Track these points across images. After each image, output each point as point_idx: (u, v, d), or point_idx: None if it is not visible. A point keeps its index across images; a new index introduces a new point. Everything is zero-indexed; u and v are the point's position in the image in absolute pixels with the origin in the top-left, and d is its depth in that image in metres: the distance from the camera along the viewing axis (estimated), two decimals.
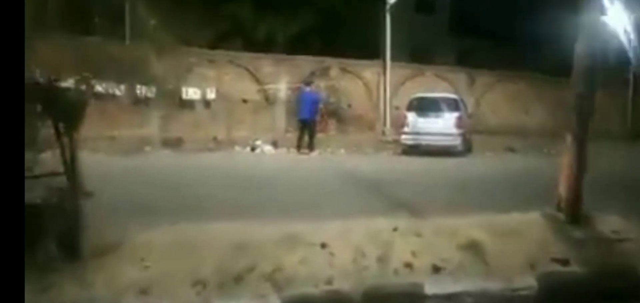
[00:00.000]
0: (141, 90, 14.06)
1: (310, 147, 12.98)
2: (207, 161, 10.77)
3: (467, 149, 13.14)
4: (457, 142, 12.74)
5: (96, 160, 9.95)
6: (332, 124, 16.09)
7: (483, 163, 11.75)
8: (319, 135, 15.67)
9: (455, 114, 12.97)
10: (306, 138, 13.08)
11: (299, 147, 13.00)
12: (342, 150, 14.91)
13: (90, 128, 12.77)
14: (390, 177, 8.35)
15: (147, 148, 13.90)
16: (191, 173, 8.57)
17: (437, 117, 12.97)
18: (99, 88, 12.97)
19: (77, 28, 13.73)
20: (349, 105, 16.36)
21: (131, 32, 15.31)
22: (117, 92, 13.93)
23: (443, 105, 13.13)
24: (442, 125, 12.76)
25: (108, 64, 13.53)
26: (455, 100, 13.50)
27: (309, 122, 13.24)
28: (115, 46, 13.69)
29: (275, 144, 13.41)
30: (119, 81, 14.04)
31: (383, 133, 16.30)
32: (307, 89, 13.90)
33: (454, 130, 12.76)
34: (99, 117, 13.89)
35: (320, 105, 13.93)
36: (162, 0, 14.33)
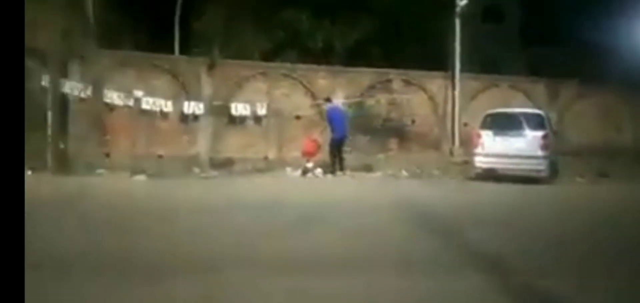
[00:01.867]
0: (189, 106, 13.36)
1: (342, 167, 11.78)
2: (254, 190, 9.55)
3: (553, 174, 11.21)
4: (542, 166, 10.85)
5: (129, 186, 9.64)
6: (393, 142, 14.58)
7: (578, 194, 9.83)
8: (380, 155, 14.30)
9: (540, 133, 11.08)
10: (339, 158, 11.89)
11: (334, 171, 11.70)
12: (405, 173, 13.40)
13: (136, 146, 12.06)
14: (469, 213, 6.79)
15: (196, 169, 13.05)
16: (237, 209, 7.41)
17: (518, 136, 11.13)
18: (145, 105, 12.32)
19: (125, 40, 13.04)
20: (413, 121, 14.81)
21: (180, 44, 14.81)
22: (165, 108, 13.32)
23: (525, 123, 11.27)
24: (525, 146, 10.93)
25: (155, 77, 12.84)
26: (539, 116, 11.55)
27: (344, 140, 12.08)
28: (163, 59, 13.10)
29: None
30: (166, 96, 13.55)
31: (451, 153, 14.60)
32: (333, 103, 12.64)
33: (539, 152, 10.88)
34: (145, 135, 13.32)
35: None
36: (215, 9, 13.80)
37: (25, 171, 10.92)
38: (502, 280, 3.68)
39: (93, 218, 5.80)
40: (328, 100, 12.68)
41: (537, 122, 11.30)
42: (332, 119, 12.16)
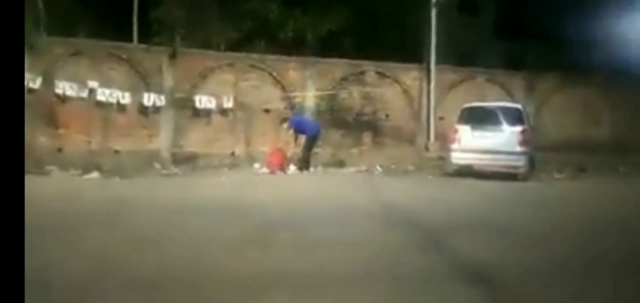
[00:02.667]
0: (149, 97, 12.46)
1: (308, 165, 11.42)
2: (217, 189, 8.73)
3: (531, 170, 10.79)
4: (520, 162, 10.43)
5: (77, 186, 8.41)
6: (367, 137, 13.97)
7: (557, 191, 9.40)
8: (353, 150, 13.72)
9: (519, 128, 10.65)
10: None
11: (306, 167, 11.30)
12: (379, 168, 12.83)
13: (91, 140, 11.06)
14: (447, 214, 6.20)
15: (157, 165, 12.18)
16: (195, 213, 6.60)
17: (496, 131, 10.68)
18: (101, 96, 11.33)
19: (79, 28, 11.98)
20: (387, 116, 14.22)
21: (139, 32, 13.83)
22: (122, 100, 12.38)
23: (503, 117, 10.82)
24: (503, 142, 10.47)
25: (111, 67, 11.85)
26: (517, 111, 11.13)
27: (317, 136, 11.80)
28: (120, 48, 12.11)
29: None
30: (124, 87, 12.60)
31: (426, 148, 14.09)
32: (291, 116, 12.45)
33: (518, 148, 10.45)
34: (102, 129, 12.35)
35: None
36: None
37: None
38: (490, 292, 3.12)
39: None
40: (285, 120, 12.22)
41: (515, 117, 10.88)
42: (299, 127, 11.70)
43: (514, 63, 15.99)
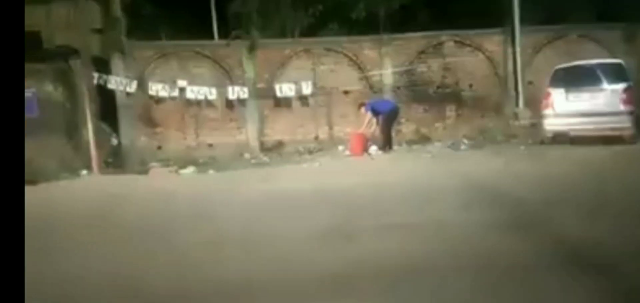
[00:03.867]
0: (233, 91, 12.98)
1: (391, 144, 11.47)
2: (305, 176, 8.91)
3: (637, 131, 9.80)
4: (626, 124, 9.52)
5: (174, 183, 8.34)
6: (450, 109, 13.53)
7: None
8: (437, 124, 13.39)
9: (621, 85, 9.72)
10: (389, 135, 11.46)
11: (388, 148, 11.30)
12: (465, 141, 12.42)
13: (186, 136, 11.81)
14: (548, 194, 5.78)
15: (247, 155, 12.76)
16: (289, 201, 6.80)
17: (595, 91, 9.84)
18: (190, 94, 12.01)
19: (161, 31, 12.74)
20: (470, 86, 13.62)
21: (219, 29, 14.38)
22: (210, 96, 13.01)
23: (602, 75, 9.91)
24: (604, 102, 9.62)
25: (197, 65, 12.47)
26: (619, 66, 10.08)
27: (395, 114, 11.89)
28: (203, 46, 12.68)
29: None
30: (210, 84, 13.22)
31: (515, 116, 13.34)
32: (367, 102, 12.10)
33: (622, 108, 9.55)
34: (194, 124, 13.10)
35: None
36: None
37: (81, 171, 11.14)
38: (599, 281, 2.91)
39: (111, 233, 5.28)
40: (362, 105, 12.01)
41: (616, 74, 9.91)
42: (376, 109, 11.66)
43: (609, 15, 14.54)
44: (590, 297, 2.69)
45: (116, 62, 12.67)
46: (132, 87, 12.67)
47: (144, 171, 10.77)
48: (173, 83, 12.76)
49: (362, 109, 11.84)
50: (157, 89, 12.78)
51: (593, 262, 3.27)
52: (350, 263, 3.52)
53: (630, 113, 9.53)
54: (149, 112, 12.99)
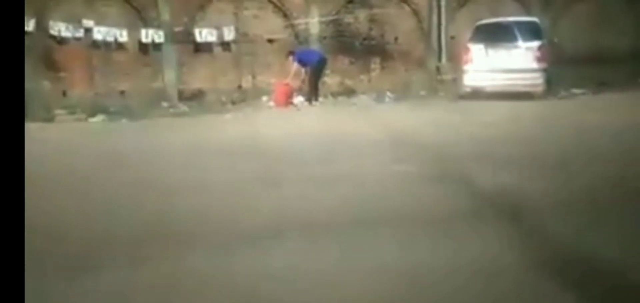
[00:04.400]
0: (147, 34, 11.98)
1: (317, 95, 11.18)
2: (230, 127, 8.46)
3: (548, 87, 10.31)
4: (539, 80, 9.98)
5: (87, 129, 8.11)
6: (375, 62, 13.47)
7: (578, 107, 9.02)
8: (362, 77, 13.30)
9: (536, 43, 10.12)
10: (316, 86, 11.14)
11: (314, 99, 11.00)
12: (389, 94, 12.50)
13: (95, 82, 10.73)
14: (468, 148, 5.84)
15: (164, 103, 11.96)
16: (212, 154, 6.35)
17: (512, 48, 10.17)
18: (97, 35, 10.85)
19: None
20: (396, 39, 13.60)
21: None
22: (120, 38, 11.91)
23: (519, 33, 10.27)
24: (520, 60, 9.99)
25: (105, 4, 11.25)
26: (534, 25, 10.49)
27: (323, 65, 11.45)
28: None
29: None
30: (120, 25, 12.09)
31: (438, 70, 13.58)
32: (297, 50, 11.82)
33: (535, 65, 9.98)
34: (103, 69, 11.99)
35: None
36: None
37: None
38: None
39: None
40: (290, 53, 11.56)
41: (532, 32, 10.30)
42: (304, 59, 11.26)
43: None
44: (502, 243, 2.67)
45: None
46: (30, 26, 11.27)
47: (49, 118, 9.72)
48: (78, 23, 11.51)
49: (290, 58, 11.40)
50: (59, 28, 11.47)
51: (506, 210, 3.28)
52: (271, 212, 3.28)
53: (543, 70, 9.97)
54: (50, 55, 11.67)
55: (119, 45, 11.88)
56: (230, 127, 7.91)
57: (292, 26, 12.80)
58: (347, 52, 13.22)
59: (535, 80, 9.92)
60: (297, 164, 4.92)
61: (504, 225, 3.04)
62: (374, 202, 3.61)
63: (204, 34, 12.22)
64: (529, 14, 13.80)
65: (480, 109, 9.12)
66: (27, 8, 11.29)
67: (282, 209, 3.47)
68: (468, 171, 4.43)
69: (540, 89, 9.96)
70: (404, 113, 9.01)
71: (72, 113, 11.02)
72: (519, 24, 10.48)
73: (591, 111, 8.25)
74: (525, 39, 10.15)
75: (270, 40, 12.80)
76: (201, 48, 12.35)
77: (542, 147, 5.54)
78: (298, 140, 6.33)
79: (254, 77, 12.72)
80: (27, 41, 11.40)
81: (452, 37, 13.71)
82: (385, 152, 5.43)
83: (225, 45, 12.51)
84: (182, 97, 12.28)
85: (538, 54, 9.97)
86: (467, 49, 10.51)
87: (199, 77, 12.47)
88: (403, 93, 12.34)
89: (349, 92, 12.67)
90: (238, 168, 4.77)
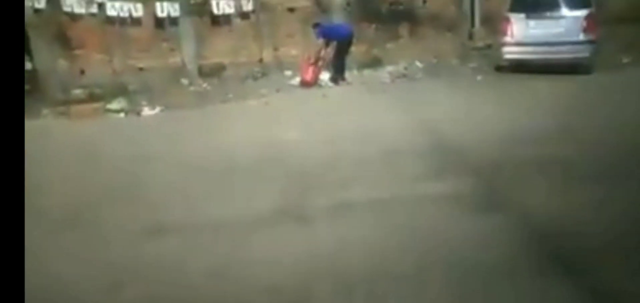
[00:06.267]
0: (162, 7, 11.40)
1: (343, 75, 10.32)
2: (248, 120, 8.03)
3: (594, 58, 9.45)
4: (585, 53, 9.15)
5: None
6: (403, 28, 12.67)
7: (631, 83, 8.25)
8: (389, 45, 12.56)
9: (584, 12, 9.21)
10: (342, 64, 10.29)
11: (339, 79, 10.22)
12: (418, 64, 11.80)
13: (112, 59, 10.27)
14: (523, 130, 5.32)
15: (184, 81, 11.55)
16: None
17: (556, 18, 9.30)
18: (111, 11, 10.31)
19: None
20: (424, 2, 12.70)
21: None
22: (135, 13, 11.36)
23: (564, 1, 9.37)
24: (565, 31, 9.14)
25: None
26: None
27: (349, 41, 10.34)
28: None
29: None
30: None
31: (470, 36, 12.74)
32: (321, 23, 10.70)
33: (582, 37, 9.13)
34: (119, 45, 11.52)
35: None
36: None
37: None
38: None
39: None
40: (316, 25, 10.52)
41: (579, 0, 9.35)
42: (329, 34, 10.30)
43: None
44: None
45: None
46: (41, 3, 10.81)
47: (64, 112, 9.37)
48: None
49: (314, 32, 10.61)
50: (71, 3, 10.98)
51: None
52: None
53: (591, 42, 9.12)
54: (65, 32, 11.24)
55: (134, 20, 11.36)
56: (252, 122, 7.44)
57: None
58: (373, 18, 12.44)
59: (581, 52, 9.10)
60: (326, 185, 4.50)
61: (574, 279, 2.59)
62: (418, 245, 3.20)
63: (222, 5, 11.59)
64: None
65: (521, 88, 8.46)
66: None
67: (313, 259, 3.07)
68: (520, 189, 3.99)
69: (585, 62, 9.15)
70: (436, 96, 8.37)
71: (90, 94, 10.71)
72: None
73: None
74: (571, 8, 9.25)
75: (291, 9, 12.08)
76: (219, 20, 11.74)
77: (614, 144, 5.02)
78: (325, 145, 5.82)
79: (275, 49, 12.12)
80: (40, 19, 11.02)
81: None
82: (421, 161, 4.96)
83: (244, 16, 11.86)
84: (202, 72, 11.81)
85: (585, 24, 9.09)
86: (507, 19, 9.66)
87: (219, 51, 11.94)
88: (434, 64, 11.62)
89: (376, 63, 11.99)
90: (258, 197, 4.35)
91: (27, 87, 11.15)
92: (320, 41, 10.30)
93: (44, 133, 7.47)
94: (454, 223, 3.59)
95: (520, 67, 9.56)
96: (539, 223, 3.48)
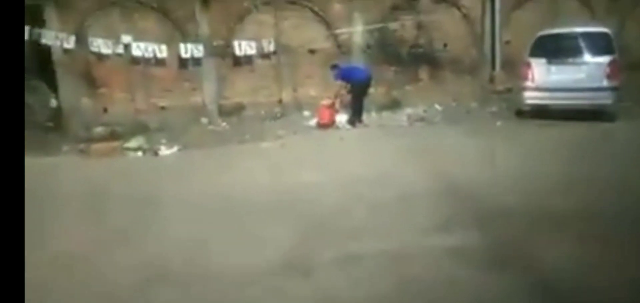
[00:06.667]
0: (186, 48, 11.68)
1: (361, 117, 10.32)
2: (263, 162, 8.03)
3: (616, 105, 9.19)
4: (608, 100, 8.94)
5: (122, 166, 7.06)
6: (423, 71, 12.67)
7: None
8: (408, 87, 12.54)
9: (607, 59, 9.04)
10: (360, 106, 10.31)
11: (356, 121, 10.20)
12: (438, 107, 11.73)
13: (134, 98, 10.51)
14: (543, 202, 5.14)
15: (204, 120, 11.74)
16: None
17: (578, 64, 9.16)
18: (136, 51, 10.62)
19: None
20: (445, 45, 12.71)
21: None
22: (159, 54, 11.67)
23: (587, 46, 9.20)
24: (587, 77, 8.97)
25: (143, 18, 10.92)
26: (605, 36, 9.22)
27: (368, 83, 10.45)
28: None
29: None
30: (159, 40, 11.83)
31: (491, 79, 12.64)
32: (340, 65, 10.81)
33: (605, 83, 8.94)
34: (142, 85, 11.80)
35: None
36: None
37: None
38: None
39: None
40: (334, 67, 10.68)
41: (601, 44, 9.16)
42: (348, 76, 10.39)
43: None
44: None
45: (49, 13, 11.14)
46: (70, 43, 11.22)
47: (84, 150, 9.56)
48: (116, 38, 11.34)
49: (333, 72, 10.69)
50: (98, 44, 11.35)
51: None
52: None
53: (614, 89, 8.92)
54: (90, 71, 11.60)
55: (159, 61, 11.66)
56: (267, 165, 7.42)
57: (335, 36, 12.18)
58: (392, 61, 12.48)
59: (604, 99, 8.89)
60: (336, 233, 4.41)
61: None
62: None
63: (244, 47, 11.81)
64: (592, 12, 12.63)
65: (543, 136, 8.26)
66: (67, 24, 11.28)
67: None
68: (536, 243, 3.83)
69: (609, 109, 8.93)
70: (454, 140, 8.24)
71: (111, 132, 10.93)
72: (586, 35, 9.31)
73: None
74: (594, 54, 9.10)
75: (311, 51, 12.24)
76: (241, 61, 11.95)
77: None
78: (338, 190, 5.76)
79: (295, 90, 12.23)
80: (68, 58, 11.42)
81: (507, 42, 12.73)
82: (435, 209, 4.86)
83: (265, 57, 12.06)
84: (222, 112, 11.97)
85: (608, 70, 8.91)
86: (528, 64, 9.55)
87: (239, 91, 12.11)
88: (453, 108, 11.53)
89: (395, 105, 11.97)
90: (266, 245, 4.27)
91: (50, 124, 11.53)
92: (339, 82, 10.37)
93: (60, 170, 7.61)
94: (465, 278, 3.45)
95: (542, 113, 9.38)
96: (553, 280, 3.31)
